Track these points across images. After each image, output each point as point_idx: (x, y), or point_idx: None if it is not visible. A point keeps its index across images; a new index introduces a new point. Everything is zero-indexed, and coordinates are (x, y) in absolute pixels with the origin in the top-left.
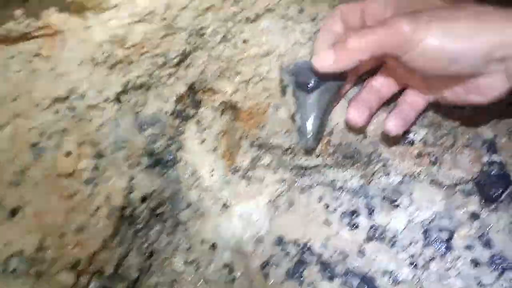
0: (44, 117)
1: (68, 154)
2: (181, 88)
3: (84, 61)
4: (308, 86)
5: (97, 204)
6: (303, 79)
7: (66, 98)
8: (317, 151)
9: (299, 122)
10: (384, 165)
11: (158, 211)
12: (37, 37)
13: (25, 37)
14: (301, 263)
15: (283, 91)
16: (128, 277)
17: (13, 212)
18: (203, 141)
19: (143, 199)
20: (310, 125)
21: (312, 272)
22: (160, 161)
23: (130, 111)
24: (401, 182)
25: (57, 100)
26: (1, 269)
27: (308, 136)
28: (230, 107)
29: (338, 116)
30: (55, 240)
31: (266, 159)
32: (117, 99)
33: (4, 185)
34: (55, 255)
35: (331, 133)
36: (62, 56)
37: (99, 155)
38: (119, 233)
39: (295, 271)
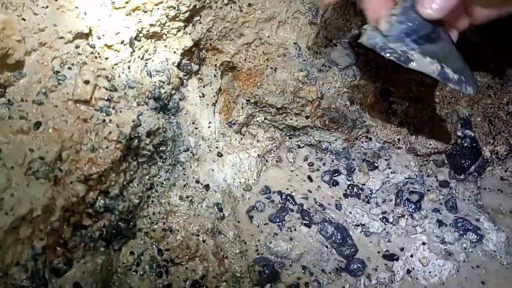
0: (66, 49)
1: (86, 82)
2: (188, 43)
3: (105, 3)
4: (431, 36)
5: (108, 129)
6: (424, 32)
7: (87, 35)
8: (307, 112)
9: (452, 74)
10: (367, 131)
11: (160, 148)
12: None
13: None
14: (283, 210)
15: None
16: (129, 202)
17: (37, 125)
18: (203, 95)
19: (148, 134)
20: (461, 69)
21: (292, 218)
22: (164, 106)
23: (141, 56)
24: (381, 148)
25: (79, 36)
26: (25, 170)
27: (470, 80)
28: (230, 67)
29: (329, 82)
30: (71, 154)
31: (260, 117)
32: (131, 43)
33: (29, 102)
34: (71, 167)
35: (321, 97)
36: None
37: (113, 88)
38: (126, 161)
39: (277, 216)
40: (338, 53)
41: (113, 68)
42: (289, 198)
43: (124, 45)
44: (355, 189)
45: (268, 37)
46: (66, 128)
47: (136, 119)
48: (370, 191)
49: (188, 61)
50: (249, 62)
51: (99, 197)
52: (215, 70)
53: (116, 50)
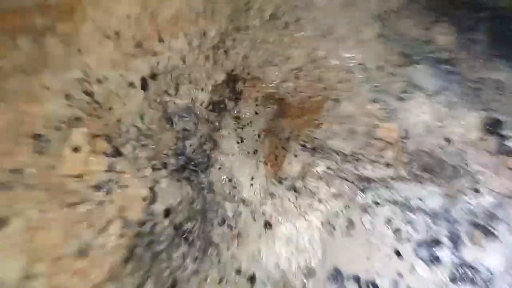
0: (53, 101)
1: (76, 150)
2: (220, 75)
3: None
4: None
5: (108, 216)
6: None
7: (81, 80)
8: (388, 158)
9: None
10: (474, 181)
11: (185, 227)
12: None
13: None
14: None
15: None
16: None
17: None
18: (242, 140)
19: (167, 213)
20: None
21: None
22: (190, 163)
23: (158, 100)
24: (497, 205)
25: (69, 81)
26: None
27: None
28: (276, 101)
29: (414, 114)
30: (47, 265)
31: (321, 166)
32: (143, 85)
33: None
34: None
35: (406, 136)
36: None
37: (115, 153)
38: (133, 257)
39: None
40: (421, 74)
41: (118, 121)
42: (371, 287)
43: (134, 87)
44: (466, 271)
45: (325, 58)
46: (42, 223)
47: (148, 195)
48: (490, 273)
49: (221, 98)
50: (301, 92)
51: None
52: (257, 105)
53: (124, 96)
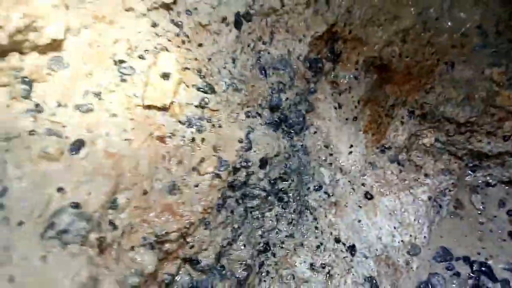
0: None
1: (165, 77)
2: (320, 27)
3: None
4: None
5: (200, 155)
6: None
7: (168, 6)
8: (507, 129)
9: None
10: None
11: (280, 186)
12: None
13: None
14: None
15: None
16: (232, 276)
17: (76, 146)
18: (340, 106)
19: (263, 163)
20: None
21: None
22: (285, 120)
23: (251, 45)
24: None
25: (157, 6)
26: (42, 229)
27: None
28: (379, 66)
29: None
30: (133, 197)
31: (429, 138)
32: (237, 23)
33: (69, 109)
34: (132, 221)
35: None
36: None
37: (209, 89)
38: (226, 207)
39: None
40: None
41: (209, 59)
42: (485, 269)
43: (227, 25)
44: None
45: (437, 19)
46: (127, 151)
47: (244, 139)
48: None
49: (319, 56)
50: (408, 57)
51: (181, 272)
52: (357, 69)
53: (215, 32)
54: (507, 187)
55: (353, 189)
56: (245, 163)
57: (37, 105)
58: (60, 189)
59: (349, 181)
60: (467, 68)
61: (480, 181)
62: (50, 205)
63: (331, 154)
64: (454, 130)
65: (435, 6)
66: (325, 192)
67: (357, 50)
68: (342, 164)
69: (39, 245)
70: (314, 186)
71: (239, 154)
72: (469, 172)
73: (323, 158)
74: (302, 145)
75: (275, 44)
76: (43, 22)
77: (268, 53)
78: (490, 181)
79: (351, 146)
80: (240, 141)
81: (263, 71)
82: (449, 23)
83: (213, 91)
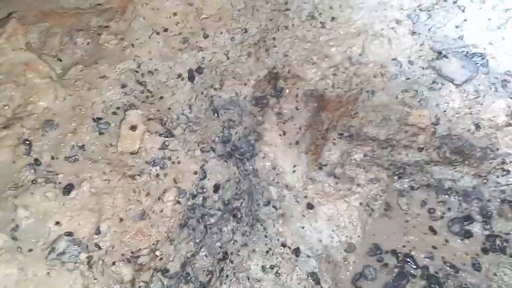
0: (111, 91)
1: (133, 128)
2: (262, 71)
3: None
4: None
5: (163, 187)
6: None
7: (135, 71)
8: (420, 142)
9: None
10: (502, 162)
11: (234, 204)
12: None
13: None
14: (402, 276)
15: None
16: (196, 280)
17: (68, 189)
18: (284, 133)
19: (216, 188)
20: None
21: (416, 287)
22: (237, 150)
23: (205, 93)
24: None
25: (125, 71)
26: (46, 253)
27: None
28: (316, 97)
29: (444, 101)
30: (113, 224)
31: (358, 154)
32: (191, 77)
33: (60, 160)
34: (113, 243)
35: (437, 122)
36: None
37: (168, 134)
38: (188, 225)
39: (396, 286)
40: (451, 66)
41: (169, 109)
42: (408, 259)
43: (183, 79)
44: (497, 241)
45: (360, 55)
46: (106, 189)
47: (199, 170)
48: None
49: (263, 94)
50: (338, 88)
51: (153, 279)
52: (297, 101)
53: (172, 87)
54: (427, 189)
55: (297, 201)
56: (201, 190)
57: (36, 159)
58: (57, 223)
59: (293, 195)
60: (384, 94)
61: (405, 186)
62: (50, 235)
63: (278, 174)
64: (377, 146)
65: (358, 45)
66: (273, 206)
67: (296, 85)
68: (287, 181)
69: (44, 264)
70: (264, 202)
71: (195, 183)
72: (396, 178)
73: (271, 178)
74: (253, 169)
75: (224, 89)
76: (37, 97)
77: (219, 97)
78: (414, 185)
79: (295, 166)
80: (195, 173)
81: (215, 113)
82: (370, 58)
83: (172, 135)
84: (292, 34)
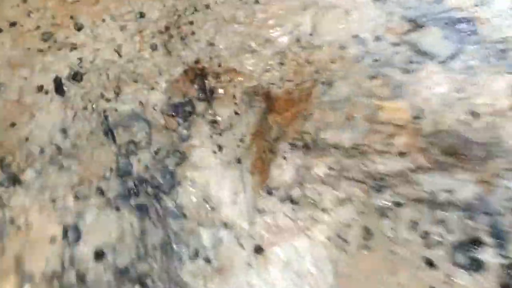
0: None
1: None
2: (176, 69)
3: None
4: None
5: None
6: None
7: None
8: (399, 145)
9: None
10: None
11: (139, 270)
12: None
13: None
14: None
15: None
16: None
17: None
18: (221, 148)
19: (98, 255)
20: None
21: None
22: (147, 183)
23: (89, 106)
24: None
25: None
26: None
27: None
28: (262, 95)
29: (426, 85)
30: None
31: (320, 168)
32: (58, 88)
33: None
34: None
35: (419, 115)
36: None
37: (11, 182)
38: None
39: None
40: (430, 38)
41: (27, 139)
42: None
43: (47, 93)
44: None
45: (311, 35)
46: None
47: (67, 232)
48: None
49: (186, 99)
50: (288, 80)
51: None
52: (236, 103)
53: (30, 106)
54: (417, 205)
55: (240, 245)
56: (69, 263)
57: None
58: None
59: (234, 237)
60: (345, 84)
61: (388, 202)
62: None
63: (212, 208)
64: (343, 155)
65: (306, 23)
66: (205, 259)
67: (232, 82)
68: (226, 217)
69: None
70: (189, 255)
71: (56, 256)
72: (374, 193)
73: (203, 215)
74: (176, 205)
75: (122, 98)
76: None
77: (115, 110)
78: (399, 200)
79: (235, 193)
80: (54, 240)
81: (109, 134)
82: (325, 38)
83: (18, 182)
84: (216, 15)
